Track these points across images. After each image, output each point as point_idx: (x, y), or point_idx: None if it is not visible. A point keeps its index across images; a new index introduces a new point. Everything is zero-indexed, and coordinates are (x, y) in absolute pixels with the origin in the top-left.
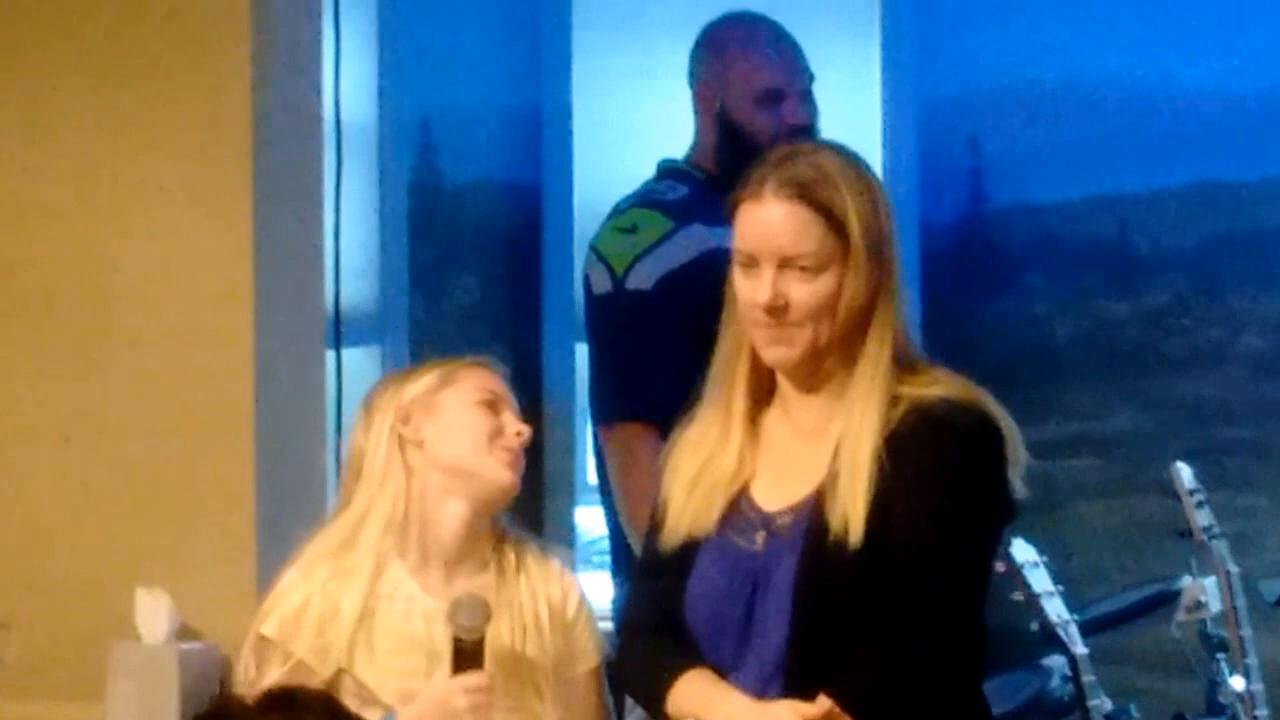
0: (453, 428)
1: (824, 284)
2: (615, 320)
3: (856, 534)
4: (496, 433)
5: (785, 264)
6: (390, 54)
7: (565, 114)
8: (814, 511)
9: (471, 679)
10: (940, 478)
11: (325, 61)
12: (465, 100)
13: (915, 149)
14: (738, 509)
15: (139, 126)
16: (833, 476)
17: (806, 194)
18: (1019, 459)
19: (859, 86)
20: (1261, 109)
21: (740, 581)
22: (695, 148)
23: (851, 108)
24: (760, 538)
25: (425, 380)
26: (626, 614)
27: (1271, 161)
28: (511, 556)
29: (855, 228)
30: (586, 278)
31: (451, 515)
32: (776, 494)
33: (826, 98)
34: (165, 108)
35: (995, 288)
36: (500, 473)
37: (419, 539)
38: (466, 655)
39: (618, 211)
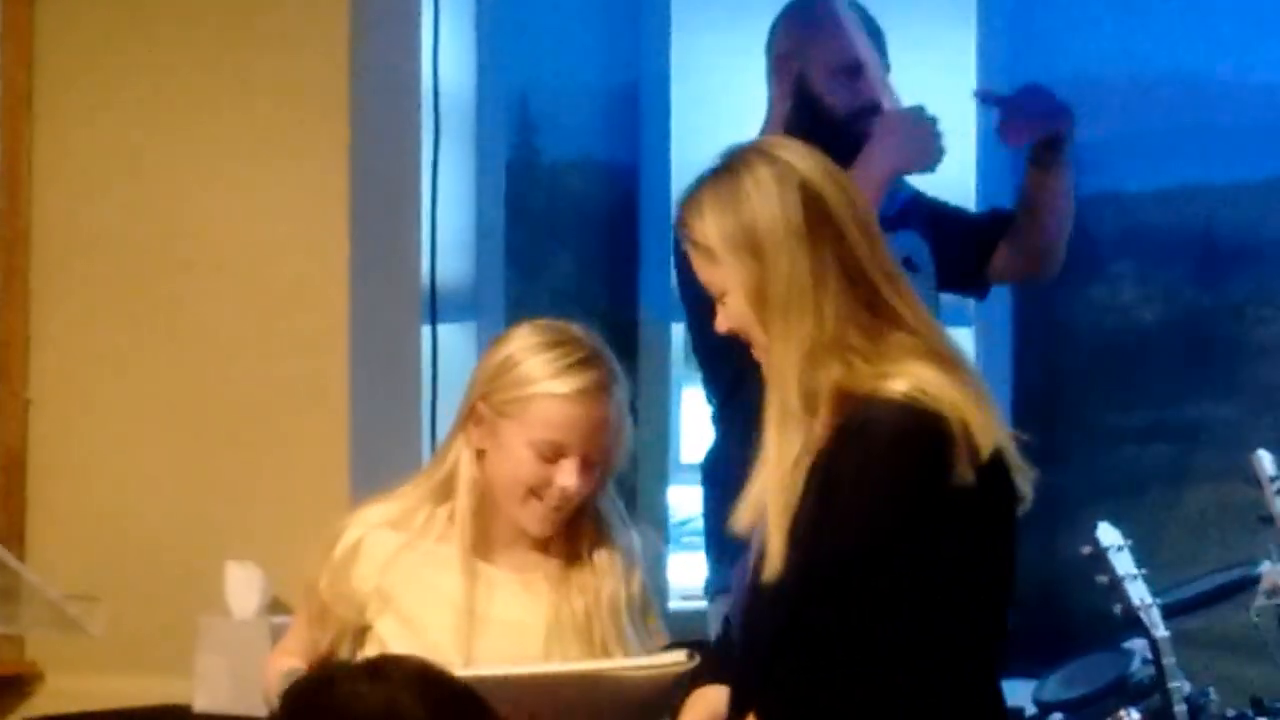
0: (504, 462)
1: (730, 304)
2: None
3: (775, 556)
4: (543, 485)
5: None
6: (489, 29)
7: (663, 91)
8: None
9: None
10: (859, 485)
11: (424, 37)
12: (563, 77)
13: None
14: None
15: (237, 106)
16: None
17: (689, 235)
18: (978, 450)
19: (954, 75)
20: None
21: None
22: (766, 130)
23: (946, 96)
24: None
25: (517, 376)
26: None
27: None
28: (583, 545)
29: (718, 248)
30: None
31: (499, 507)
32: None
33: (922, 85)
34: (263, 86)
35: (1083, 275)
36: (531, 525)
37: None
38: None
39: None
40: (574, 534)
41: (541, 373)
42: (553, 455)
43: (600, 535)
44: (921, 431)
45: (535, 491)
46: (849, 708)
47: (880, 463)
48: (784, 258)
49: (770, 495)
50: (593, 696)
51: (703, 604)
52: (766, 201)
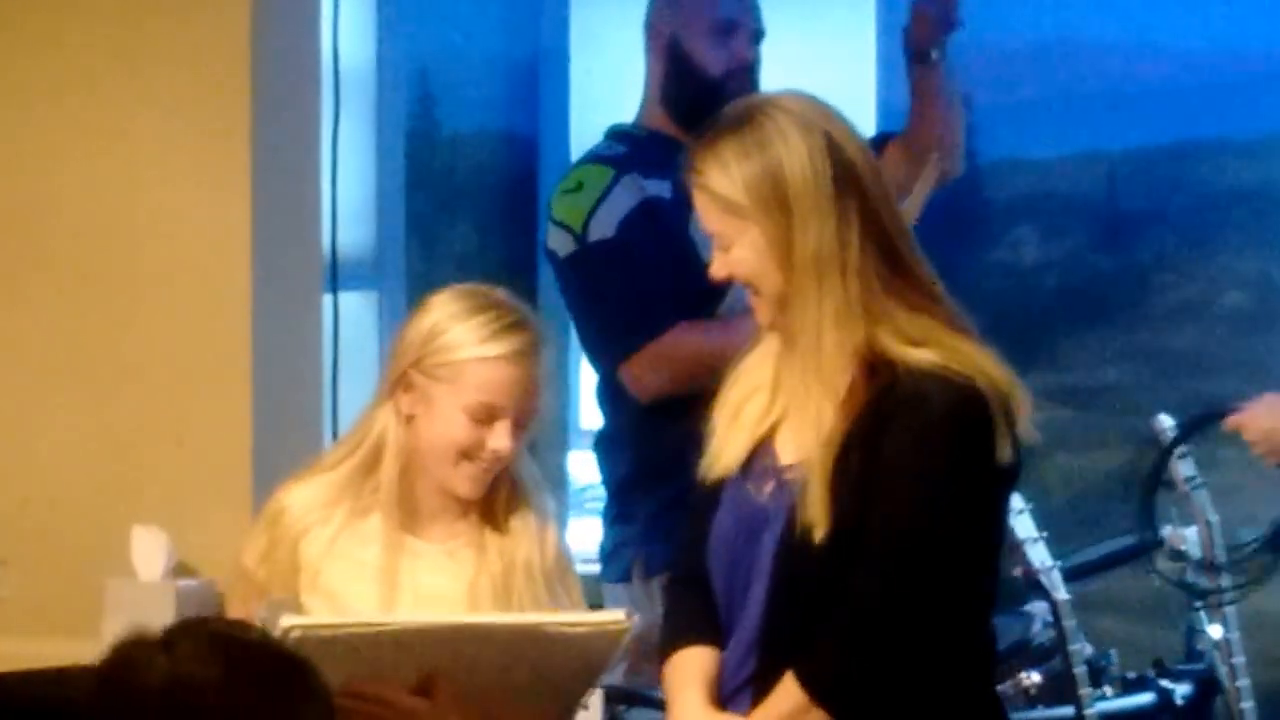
0: (436, 425)
1: (739, 254)
2: (592, 273)
3: (821, 520)
4: (476, 447)
5: (716, 241)
6: (389, 1)
7: (562, 64)
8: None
9: None
10: (916, 460)
11: (324, 7)
12: (463, 48)
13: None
14: (761, 454)
15: (136, 73)
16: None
17: (699, 180)
18: (1014, 424)
19: (854, 41)
20: (1249, 68)
21: (745, 534)
22: (643, 106)
23: (847, 62)
24: (768, 489)
25: (449, 341)
26: (672, 551)
27: (1258, 119)
28: (500, 509)
29: (743, 199)
30: (551, 251)
31: (424, 475)
32: (793, 445)
33: (822, 51)
34: (164, 55)
35: (985, 241)
36: (461, 487)
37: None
38: None
39: (563, 178)
40: (491, 499)
41: (474, 337)
42: (486, 418)
43: (516, 499)
44: (971, 415)
45: (467, 454)
46: (893, 670)
47: (933, 446)
48: (813, 215)
49: (812, 451)
50: (521, 654)
51: (597, 568)
52: (794, 154)
